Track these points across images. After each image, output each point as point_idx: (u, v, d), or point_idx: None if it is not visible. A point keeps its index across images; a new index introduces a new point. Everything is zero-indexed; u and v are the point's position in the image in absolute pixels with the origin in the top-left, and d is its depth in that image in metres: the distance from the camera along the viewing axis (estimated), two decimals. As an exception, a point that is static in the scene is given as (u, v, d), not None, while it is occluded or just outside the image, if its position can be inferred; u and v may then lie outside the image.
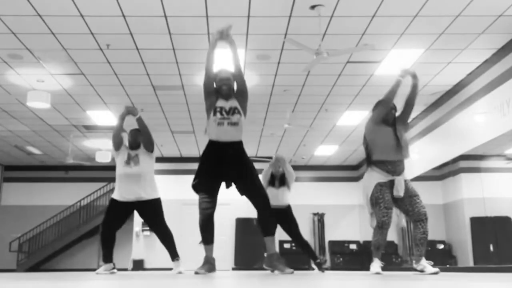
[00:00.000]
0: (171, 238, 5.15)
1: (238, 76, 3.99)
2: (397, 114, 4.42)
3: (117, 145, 5.13)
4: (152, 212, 5.09)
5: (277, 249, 6.67)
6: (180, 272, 4.97)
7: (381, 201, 4.12)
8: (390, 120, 4.32)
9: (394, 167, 4.17)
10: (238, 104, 3.90)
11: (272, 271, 3.94)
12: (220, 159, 3.81)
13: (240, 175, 3.84)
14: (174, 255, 5.13)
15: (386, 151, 4.19)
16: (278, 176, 6.06)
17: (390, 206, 4.15)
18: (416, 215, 4.12)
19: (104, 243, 5.09)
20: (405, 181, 4.20)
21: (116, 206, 5.03)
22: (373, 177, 4.20)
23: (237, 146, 3.88)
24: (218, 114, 3.81)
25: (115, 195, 5.06)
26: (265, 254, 3.96)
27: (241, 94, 3.96)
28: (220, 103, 3.86)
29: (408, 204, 4.14)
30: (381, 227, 4.14)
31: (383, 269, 4.36)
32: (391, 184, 4.15)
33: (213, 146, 3.85)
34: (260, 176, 6.02)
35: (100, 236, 5.15)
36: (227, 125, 3.80)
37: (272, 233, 3.87)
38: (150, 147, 5.12)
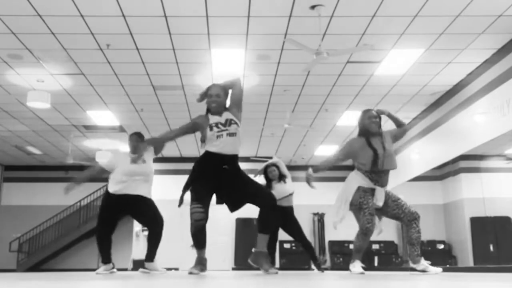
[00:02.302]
0: (160, 238, 5.16)
1: (236, 89, 4.00)
2: (392, 132, 4.47)
3: (112, 168, 5.11)
4: (151, 207, 5.09)
5: (277, 248, 6.69)
6: (160, 271, 5.02)
7: (366, 207, 4.15)
8: (376, 129, 4.32)
9: (378, 177, 4.20)
10: (233, 116, 3.89)
11: (257, 268, 3.93)
12: (218, 173, 3.78)
13: (238, 186, 3.83)
14: (153, 256, 5.14)
15: (369, 162, 4.19)
16: (275, 178, 6.15)
17: (373, 212, 4.19)
18: (409, 215, 4.17)
19: (100, 245, 5.07)
20: (386, 191, 4.26)
21: (111, 203, 4.99)
22: (356, 180, 4.23)
23: (235, 160, 3.87)
24: (215, 129, 3.79)
25: (112, 189, 4.99)
26: (253, 250, 3.94)
27: (236, 105, 3.97)
28: (214, 119, 3.85)
29: (396, 207, 4.21)
30: (366, 233, 4.17)
31: (385, 268, 4.36)
32: (372, 192, 4.20)
33: (211, 157, 3.80)
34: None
35: (96, 238, 5.12)
36: (226, 136, 3.78)
37: (267, 231, 3.86)
38: (158, 152, 5.34)
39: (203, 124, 3.85)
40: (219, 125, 3.81)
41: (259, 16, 6.28)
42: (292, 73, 8.07)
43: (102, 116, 10.23)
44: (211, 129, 3.79)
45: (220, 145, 3.77)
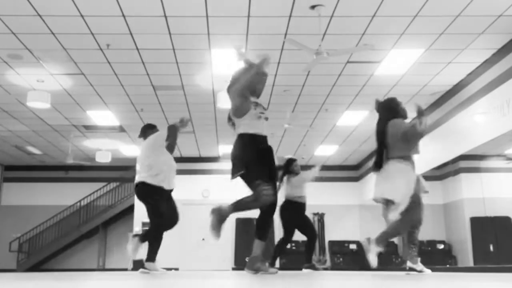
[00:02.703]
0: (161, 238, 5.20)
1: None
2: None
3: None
4: (172, 199, 5.26)
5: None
6: (160, 272, 5.06)
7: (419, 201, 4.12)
8: (405, 113, 4.35)
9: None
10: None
11: (256, 273, 3.93)
12: (267, 152, 3.84)
13: (268, 166, 3.84)
14: (155, 256, 5.21)
15: (417, 146, 4.23)
16: (299, 172, 6.70)
17: None
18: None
19: (159, 241, 5.17)
20: None
21: (163, 196, 5.08)
22: (412, 170, 4.14)
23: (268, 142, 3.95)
24: (258, 109, 3.83)
25: (164, 184, 5.07)
26: (246, 259, 3.95)
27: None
28: (254, 99, 3.89)
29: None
30: (412, 226, 4.12)
31: (385, 268, 4.40)
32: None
33: (257, 139, 3.83)
34: None
35: (156, 233, 5.11)
36: (264, 119, 3.89)
37: (264, 238, 3.88)
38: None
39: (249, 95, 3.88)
40: (261, 107, 3.88)
41: (259, 16, 6.28)
42: (292, 73, 8.07)
43: (102, 116, 10.23)
44: (255, 107, 3.82)
45: (261, 127, 3.84)
